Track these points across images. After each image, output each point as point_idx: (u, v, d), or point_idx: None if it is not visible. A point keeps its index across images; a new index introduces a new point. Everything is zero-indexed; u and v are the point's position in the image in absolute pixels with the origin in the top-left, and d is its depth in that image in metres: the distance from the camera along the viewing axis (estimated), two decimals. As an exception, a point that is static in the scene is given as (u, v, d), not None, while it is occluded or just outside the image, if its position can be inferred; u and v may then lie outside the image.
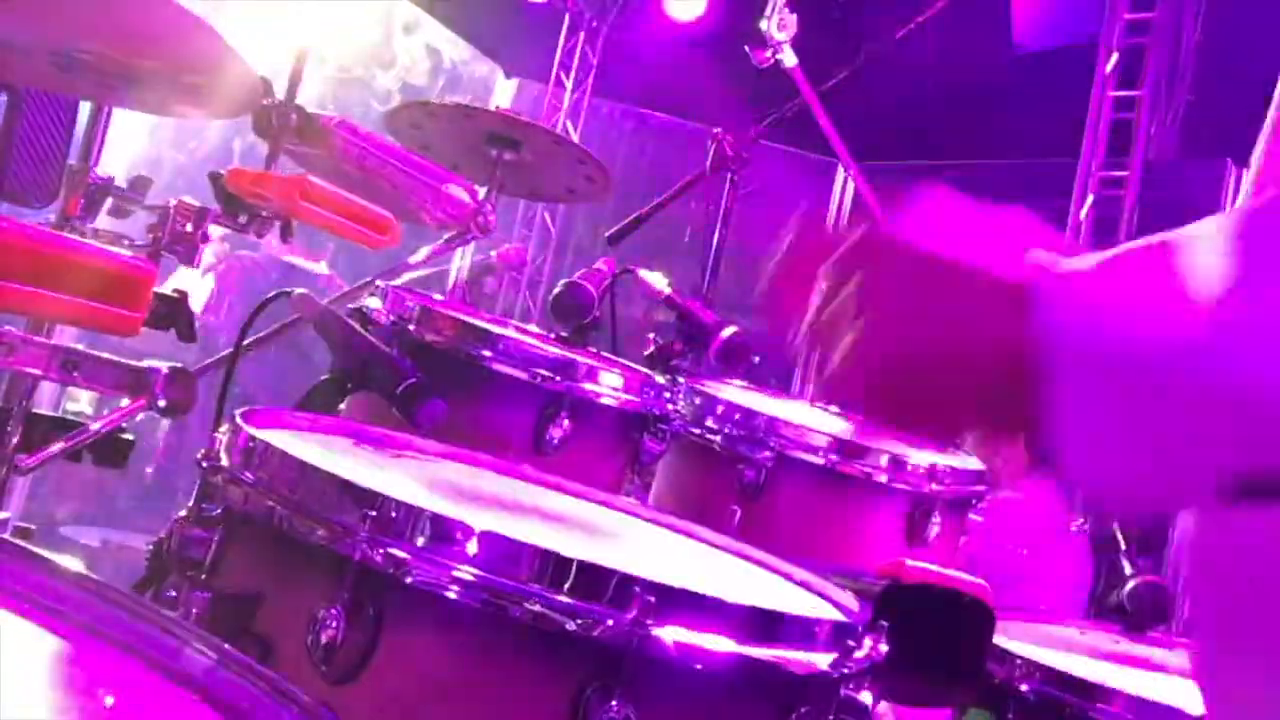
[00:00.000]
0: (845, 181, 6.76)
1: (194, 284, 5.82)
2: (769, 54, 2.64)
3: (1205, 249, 0.63)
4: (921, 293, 0.73)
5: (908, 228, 0.76)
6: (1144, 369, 0.61)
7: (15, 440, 1.77)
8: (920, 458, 1.93)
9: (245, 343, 1.81)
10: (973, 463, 2.05)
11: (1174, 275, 0.62)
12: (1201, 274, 0.61)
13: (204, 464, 1.16)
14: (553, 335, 2.07)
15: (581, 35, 7.45)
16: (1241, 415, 0.59)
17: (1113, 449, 0.63)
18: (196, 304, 5.66)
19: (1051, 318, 0.65)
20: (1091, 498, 0.69)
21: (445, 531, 0.98)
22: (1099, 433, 0.63)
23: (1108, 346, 0.63)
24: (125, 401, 1.73)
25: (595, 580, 0.97)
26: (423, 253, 2.61)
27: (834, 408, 2.36)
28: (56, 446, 1.77)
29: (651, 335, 2.18)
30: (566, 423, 1.80)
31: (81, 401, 4.76)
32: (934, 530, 1.92)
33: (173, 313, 1.72)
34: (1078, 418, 0.64)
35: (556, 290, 2.10)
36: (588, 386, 1.84)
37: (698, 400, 1.98)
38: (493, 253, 5.61)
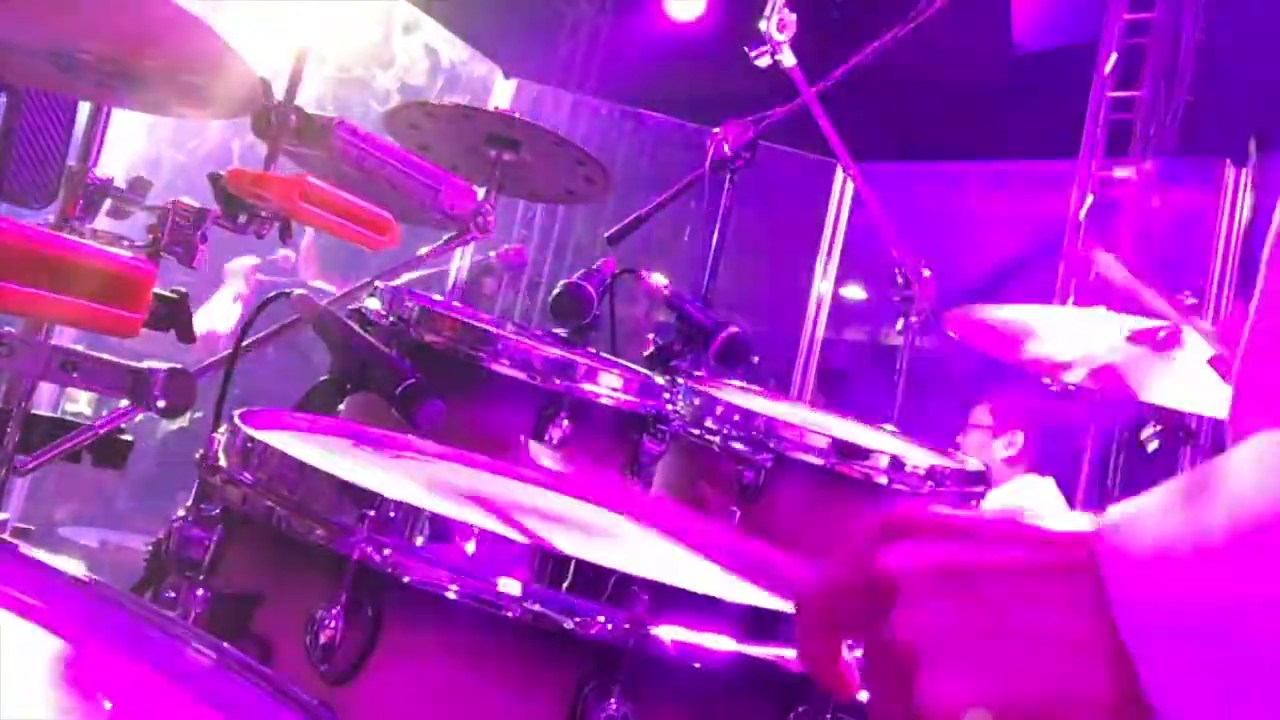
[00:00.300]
0: (845, 182, 6.76)
1: (224, 310, 5.77)
2: (769, 54, 2.64)
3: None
4: (975, 623, 0.58)
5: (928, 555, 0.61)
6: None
7: (14, 441, 1.77)
8: (920, 459, 1.94)
9: (245, 343, 1.81)
10: (972, 463, 2.05)
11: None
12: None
13: (203, 464, 1.16)
14: (552, 335, 2.07)
15: (581, 35, 7.45)
16: None
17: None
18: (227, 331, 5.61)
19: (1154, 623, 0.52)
20: None
21: (444, 531, 0.98)
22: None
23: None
24: (124, 402, 1.73)
25: (593, 579, 0.97)
26: (422, 253, 2.61)
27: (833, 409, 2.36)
28: (56, 447, 1.77)
29: (651, 335, 2.18)
30: (566, 423, 1.80)
31: (80, 402, 4.76)
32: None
33: (172, 313, 1.72)
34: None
35: (556, 291, 2.10)
36: (587, 387, 1.84)
37: (697, 401, 1.97)
38: (492, 253, 5.62)
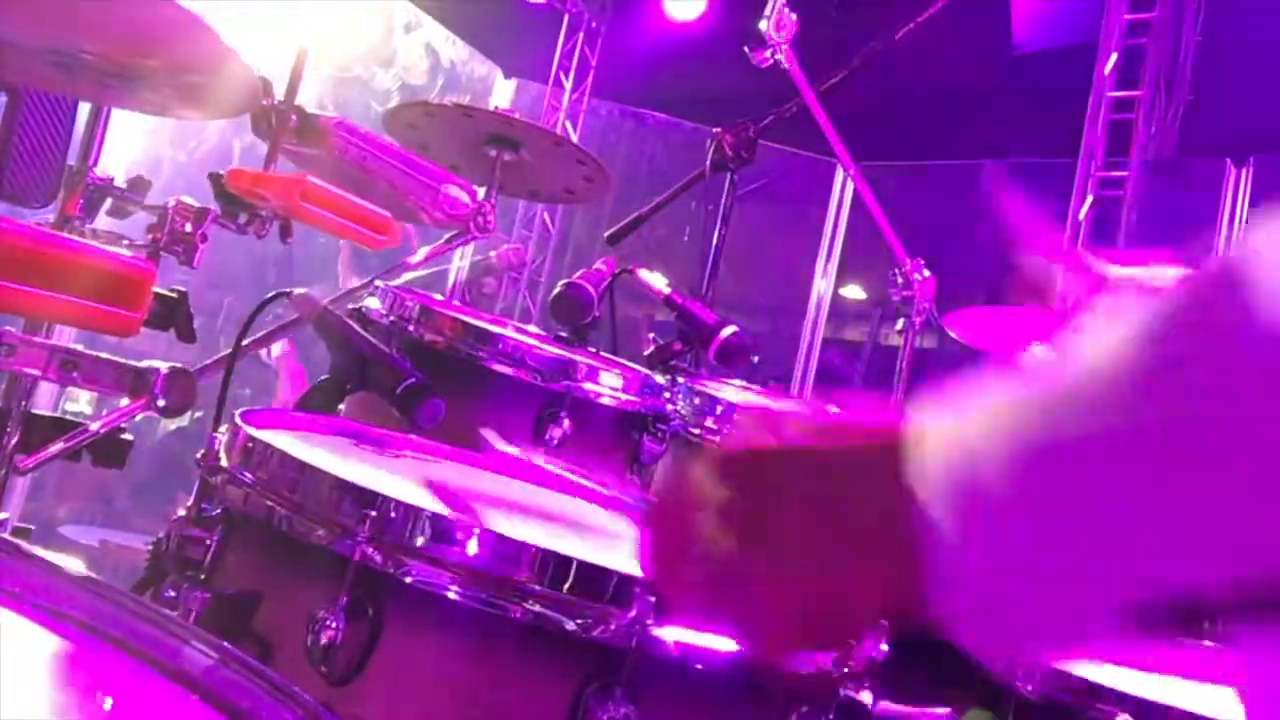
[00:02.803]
0: (845, 182, 6.76)
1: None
2: (768, 54, 2.64)
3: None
4: (784, 517, 0.64)
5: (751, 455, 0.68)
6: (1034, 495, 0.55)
7: (14, 441, 1.77)
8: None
9: (245, 342, 1.81)
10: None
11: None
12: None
13: (203, 464, 1.16)
14: (552, 335, 2.07)
15: (581, 35, 7.45)
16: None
17: (1012, 594, 0.56)
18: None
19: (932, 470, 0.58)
20: (990, 657, 0.59)
21: (445, 531, 0.98)
22: (995, 586, 0.57)
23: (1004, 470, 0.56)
24: (125, 401, 1.73)
25: (595, 580, 0.97)
26: (422, 253, 2.61)
27: (834, 408, 2.35)
28: (56, 447, 1.76)
29: (651, 335, 2.18)
30: (566, 423, 1.80)
31: (80, 402, 4.76)
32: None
33: (172, 313, 1.72)
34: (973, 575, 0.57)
35: (556, 290, 2.10)
36: (587, 386, 1.84)
37: (697, 400, 1.97)
38: (492, 254, 5.61)
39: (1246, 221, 5.60)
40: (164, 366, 1.72)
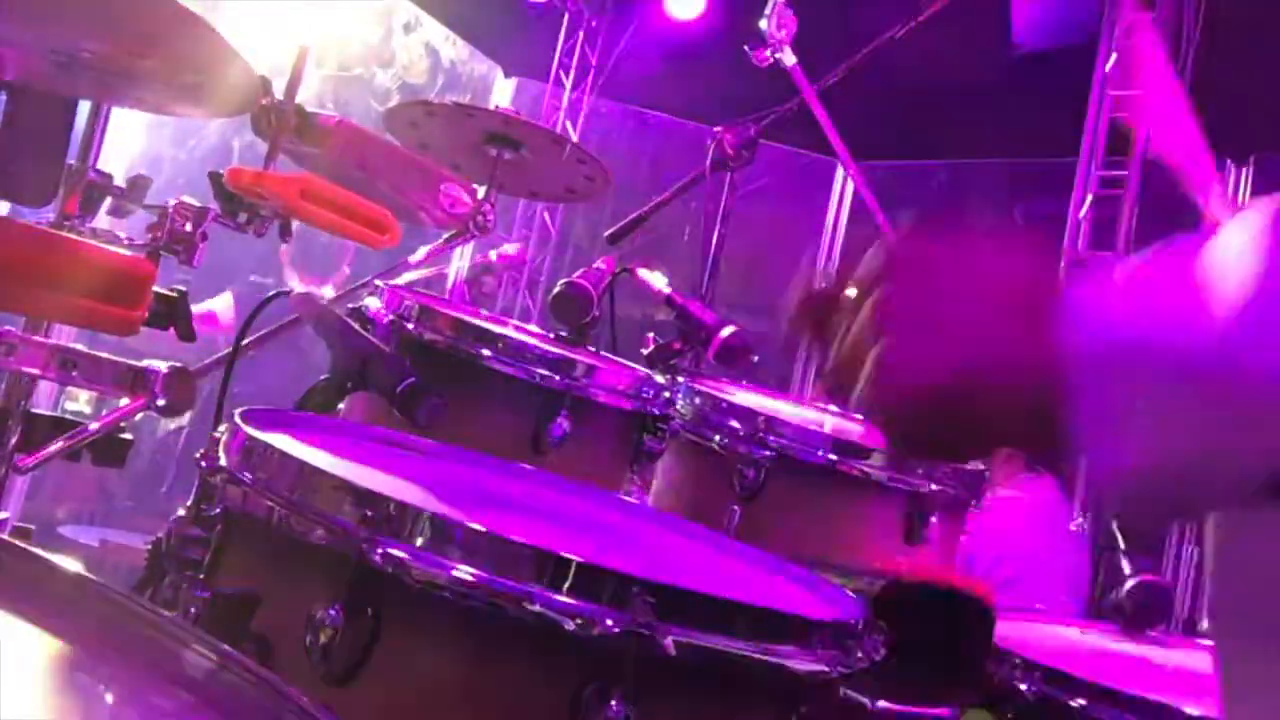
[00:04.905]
0: (845, 181, 6.76)
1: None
2: (769, 53, 2.65)
3: (1230, 249, 0.61)
4: (942, 307, 0.71)
5: (923, 248, 0.75)
6: (1172, 377, 0.60)
7: (14, 440, 1.77)
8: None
9: (244, 342, 1.81)
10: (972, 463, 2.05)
11: (1198, 280, 0.61)
12: (1226, 275, 0.60)
13: (203, 464, 1.16)
14: (552, 334, 2.07)
15: (581, 34, 7.45)
16: (1268, 415, 0.57)
17: (1140, 457, 0.62)
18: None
19: (1076, 334, 0.64)
20: (1120, 507, 0.67)
21: (444, 531, 0.98)
22: (1126, 444, 0.62)
23: (1133, 358, 0.62)
24: (124, 401, 1.73)
25: (594, 580, 0.97)
26: (422, 252, 2.61)
27: (833, 407, 2.36)
28: (55, 446, 1.77)
29: (651, 335, 2.18)
30: (566, 422, 1.80)
31: (80, 401, 4.75)
32: (933, 530, 1.92)
33: (172, 312, 1.72)
34: (1104, 430, 0.62)
35: (556, 290, 2.10)
36: (587, 386, 1.84)
37: (697, 400, 1.97)
38: (493, 253, 5.61)
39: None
40: (163, 366, 1.72)
